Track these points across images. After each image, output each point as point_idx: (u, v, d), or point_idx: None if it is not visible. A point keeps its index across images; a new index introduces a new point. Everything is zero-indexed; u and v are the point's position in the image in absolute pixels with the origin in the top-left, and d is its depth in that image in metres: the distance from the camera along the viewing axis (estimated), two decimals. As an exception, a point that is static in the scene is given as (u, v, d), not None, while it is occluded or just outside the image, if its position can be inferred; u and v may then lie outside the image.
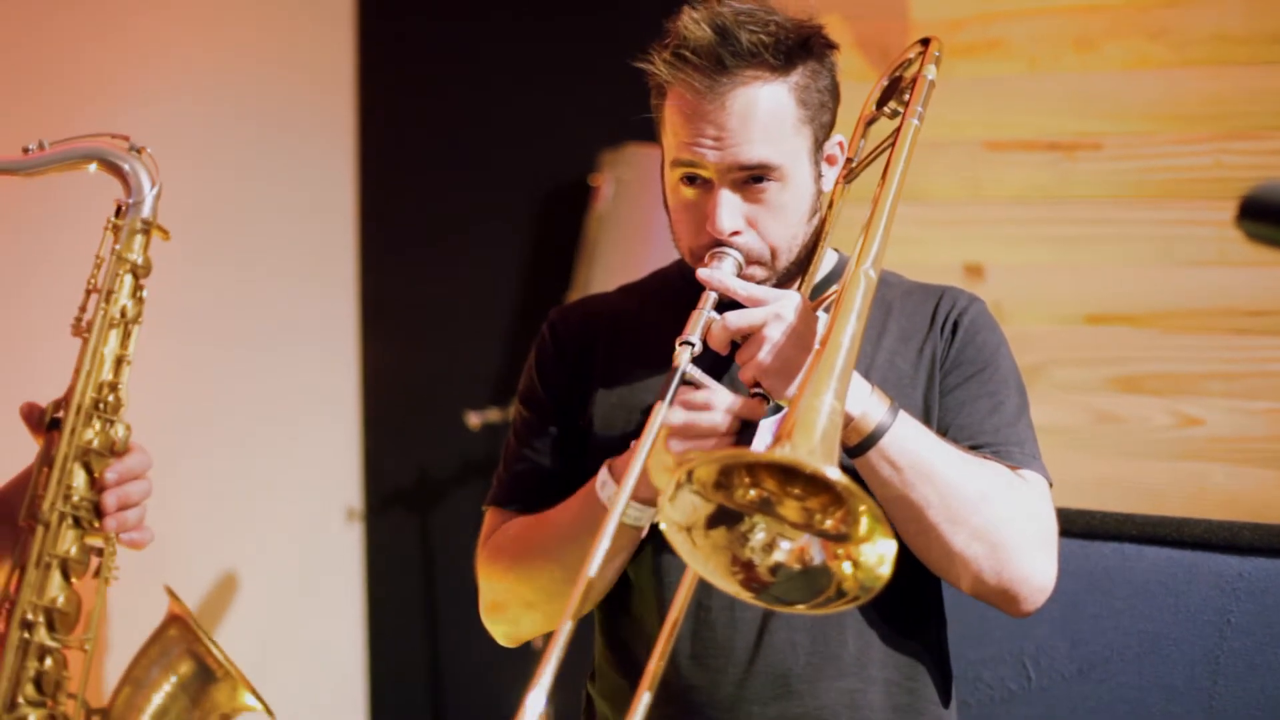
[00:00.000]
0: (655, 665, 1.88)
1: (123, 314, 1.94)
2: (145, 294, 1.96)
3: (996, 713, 2.61)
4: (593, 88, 3.89)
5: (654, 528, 2.00)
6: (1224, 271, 3.17)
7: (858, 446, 1.97)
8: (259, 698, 2.00)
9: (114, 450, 1.91)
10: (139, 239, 1.95)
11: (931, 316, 2.21)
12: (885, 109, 2.29)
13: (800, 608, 1.78)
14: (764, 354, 1.96)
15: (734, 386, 2.10)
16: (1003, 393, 2.18)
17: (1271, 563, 2.48)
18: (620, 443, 2.11)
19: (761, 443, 2.04)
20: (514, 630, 2.24)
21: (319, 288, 4.23)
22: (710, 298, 2.01)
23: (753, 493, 1.77)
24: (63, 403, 1.91)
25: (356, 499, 4.31)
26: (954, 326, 2.20)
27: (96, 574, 1.91)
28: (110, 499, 1.89)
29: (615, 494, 1.94)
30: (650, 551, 2.13)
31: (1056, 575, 2.07)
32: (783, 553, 1.77)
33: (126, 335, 1.95)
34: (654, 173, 3.63)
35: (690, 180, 2.10)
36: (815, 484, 1.73)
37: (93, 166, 1.95)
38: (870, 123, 2.30)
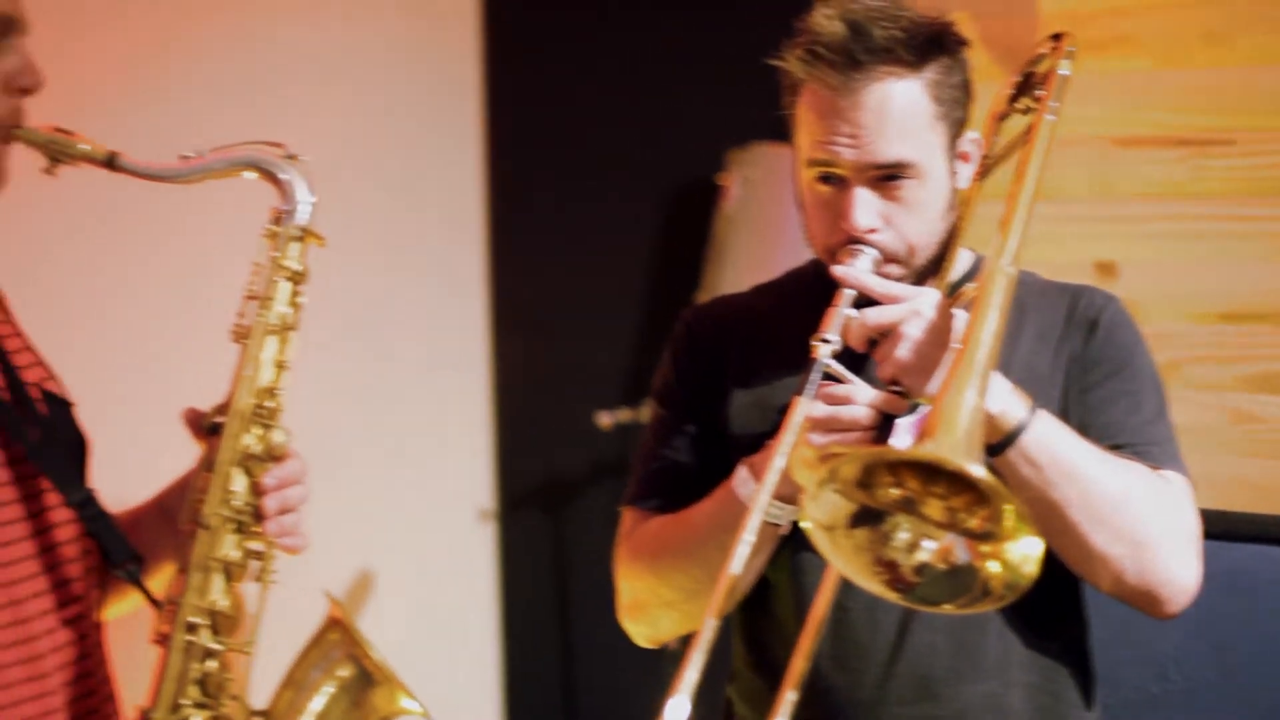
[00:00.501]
0: (798, 665, 1.88)
1: (281, 320, 1.95)
2: (302, 300, 1.98)
3: (1138, 715, 2.58)
4: (720, 87, 3.88)
5: (794, 527, 1.99)
6: (1363, 267, 3.13)
7: (997, 445, 1.95)
8: (417, 700, 2.01)
9: (273, 455, 1.93)
10: (295, 246, 1.96)
11: (1068, 315, 2.19)
12: (1018, 105, 2.27)
13: (946, 608, 1.77)
14: (902, 351, 1.95)
15: (871, 384, 2.10)
16: (1142, 392, 2.16)
17: None
18: (756, 441, 2.10)
19: (901, 441, 2.04)
20: (653, 631, 2.25)
21: (449, 290, 4.26)
22: (847, 295, 2.00)
23: (895, 491, 1.76)
24: (223, 408, 1.93)
25: (489, 499, 4.33)
26: (1091, 325, 2.18)
27: (257, 578, 1.93)
28: (270, 503, 1.91)
29: (755, 491, 1.94)
30: (789, 551, 2.13)
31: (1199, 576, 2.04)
32: (927, 552, 1.76)
33: (284, 341, 1.96)
34: (782, 172, 3.63)
35: (825, 178, 2.09)
36: (959, 482, 1.71)
37: (250, 174, 1.96)
38: (1003, 118, 2.28)
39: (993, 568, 1.72)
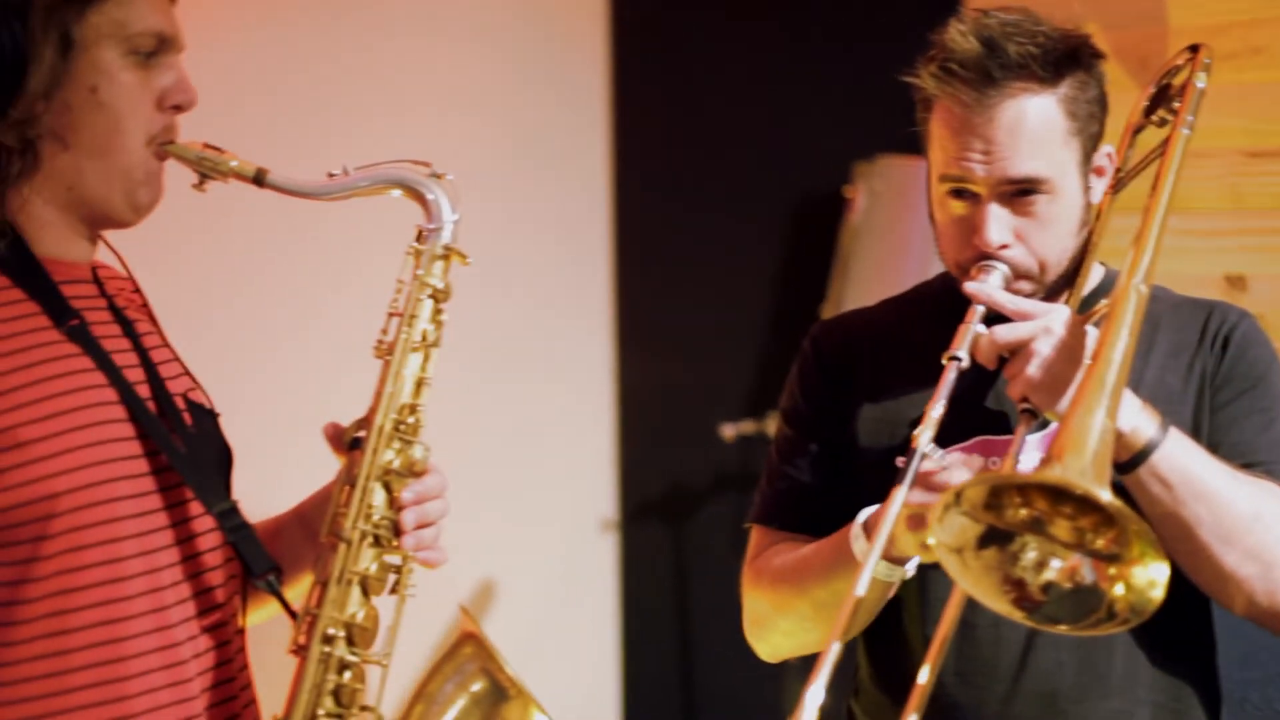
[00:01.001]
0: (925, 681, 1.88)
1: (423, 337, 1.96)
2: (444, 318, 1.98)
3: (1263, 738, 2.55)
4: (845, 99, 3.89)
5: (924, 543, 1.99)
6: None
7: (1128, 463, 1.94)
8: (549, 717, 2.02)
9: (413, 471, 1.94)
10: (439, 264, 1.97)
11: (1201, 332, 2.17)
12: (1153, 118, 2.26)
13: (1071, 628, 1.77)
14: (1033, 369, 1.95)
15: (1000, 401, 2.10)
16: (1274, 409, 2.13)
17: None
18: (885, 456, 2.10)
19: (1029, 459, 2.05)
20: (773, 651, 2.27)
21: (576, 303, 4.28)
22: (978, 312, 2.00)
23: (1023, 512, 1.76)
24: (364, 423, 1.95)
25: (612, 510, 4.35)
26: (1224, 342, 2.16)
27: (393, 590, 1.94)
28: (408, 518, 1.92)
29: (866, 551, 1.93)
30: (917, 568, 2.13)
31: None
32: (1054, 571, 1.76)
33: (426, 358, 1.97)
34: (907, 185, 3.63)
35: (958, 194, 2.09)
36: (1087, 504, 1.71)
37: (396, 192, 1.97)
38: (1138, 131, 2.27)
39: (1118, 590, 1.72)
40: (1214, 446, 2.07)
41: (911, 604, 2.17)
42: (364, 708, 1.93)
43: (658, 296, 4.31)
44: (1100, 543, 1.73)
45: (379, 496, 1.93)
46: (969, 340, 1.98)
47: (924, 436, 1.91)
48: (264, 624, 2.04)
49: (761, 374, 4.15)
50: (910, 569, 2.00)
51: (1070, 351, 1.95)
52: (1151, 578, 1.68)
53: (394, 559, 1.94)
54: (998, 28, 2.05)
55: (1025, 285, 2.08)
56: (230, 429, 2.00)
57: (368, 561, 1.92)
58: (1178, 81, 2.23)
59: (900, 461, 1.92)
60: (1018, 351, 1.97)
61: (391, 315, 1.97)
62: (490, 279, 3.81)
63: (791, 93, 4.09)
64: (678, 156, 4.28)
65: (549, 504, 4.17)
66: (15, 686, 1.77)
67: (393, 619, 1.94)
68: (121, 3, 1.81)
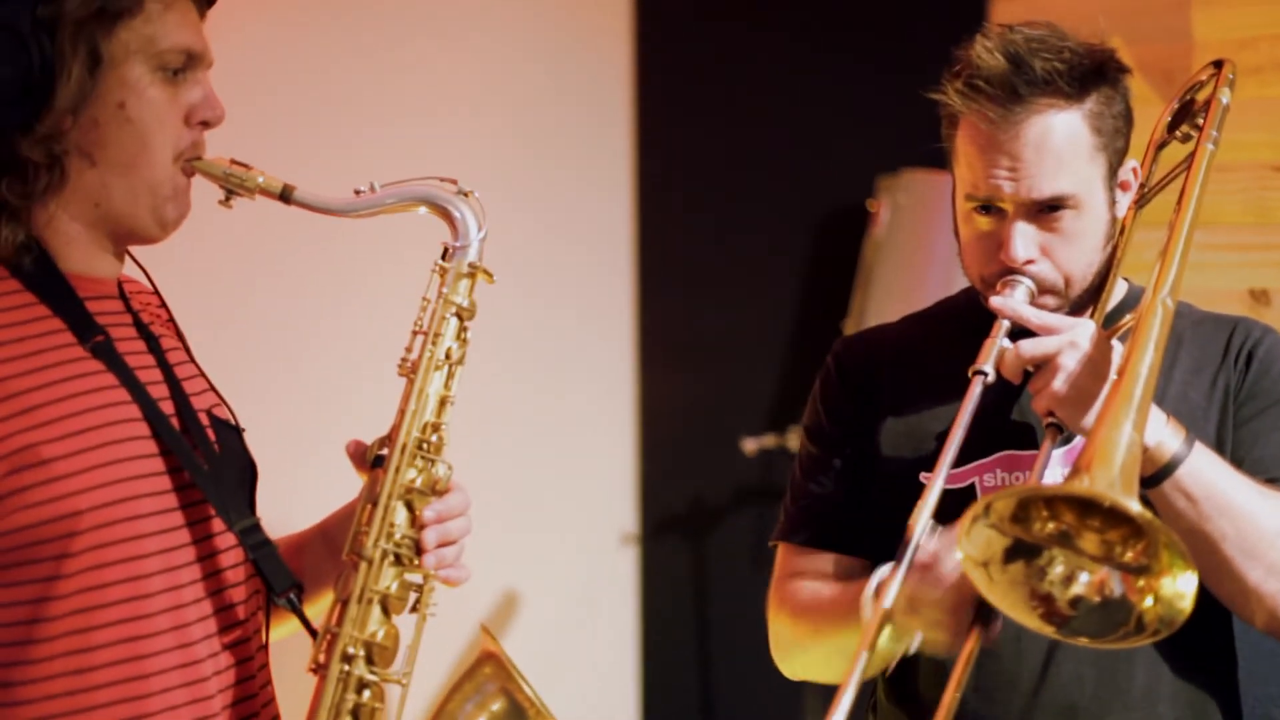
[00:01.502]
0: (949, 698, 1.88)
1: (447, 356, 1.95)
2: (469, 336, 1.98)
3: (1287, 753, 2.53)
4: (869, 113, 3.89)
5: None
6: None
7: (1152, 477, 1.94)
8: None
9: (435, 489, 1.94)
10: (464, 283, 1.97)
11: (1225, 347, 2.17)
12: (1177, 133, 2.26)
13: (1099, 642, 1.77)
14: (1058, 383, 1.95)
15: (1025, 415, 2.09)
16: (1298, 426, 2.12)
17: None
18: (911, 470, 2.12)
19: (1053, 474, 2.05)
20: (797, 674, 2.27)
21: (597, 316, 4.28)
22: (1003, 326, 2.00)
23: (1050, 525, 1.76)
24: (387, 441, 1.94)
25: (632, 523, 4.35)
26: (1248, 358, 2.15)
27: (414, 609, 1.93)
28: (430, 536, 1.91)
29: (871, 621, 1.92)
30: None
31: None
32: (1082, 585, 1.76)
33: (450, 376, 1.96)
34: (931, 199, 3.63)
35: (984, 209, 2.09)
36: (1115, 516, 1.71)
37: (422, 209, 1.97)
38: (1162, 146, 2.27)
39: (1148, 602, 1.72)
40: (1237, 462, 2.07)
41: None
42: (384, 727, 1.93)
43: (680, 309, 4.31)
44: (1129, 555, 1.74)
45: (401, 515, 1.92)
46: (994, 355, 1.98)
47: (920, 521, 1.92)
48: (285, 640, 2.04)
49: (783, 388, 4.15)
50: (914, 645, 1.98)
51: (1095, 366, 1.95)
52: (1180, 589, 1.69)
53: (415, 577, 1.93)
54: (1023, 44, 2.04)
55: (1050, 300, 2.08)
56: (252, 443, 2.00)
57: (389, 580, 1.91)
58: (1202, 96, 2.23)
59: (924, 477, 1.91)
60: (1043, 366, 1.97)
61: (416, 333, 1.96)
62: (512, 291, 3.81)
63: (815, 106, 4.10)
64: (701, 169, 4.28)
65: (569, 517, 4.17)
66: (37, 705, 1.77)
67: (413, 638, 1.93)
68: (151, 19, 1.81)
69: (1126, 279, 2.23)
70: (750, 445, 4.06)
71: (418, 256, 2.02)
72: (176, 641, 1.82)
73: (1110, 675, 2.09)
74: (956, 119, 2.10)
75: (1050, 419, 1.97)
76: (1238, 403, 2.14)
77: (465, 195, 1.97)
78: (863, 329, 2.47)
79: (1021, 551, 1.76)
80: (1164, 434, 1.94)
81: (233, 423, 1.97)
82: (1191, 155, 2.13)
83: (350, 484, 1.99)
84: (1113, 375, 1.93)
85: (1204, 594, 1.94)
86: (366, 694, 1.90)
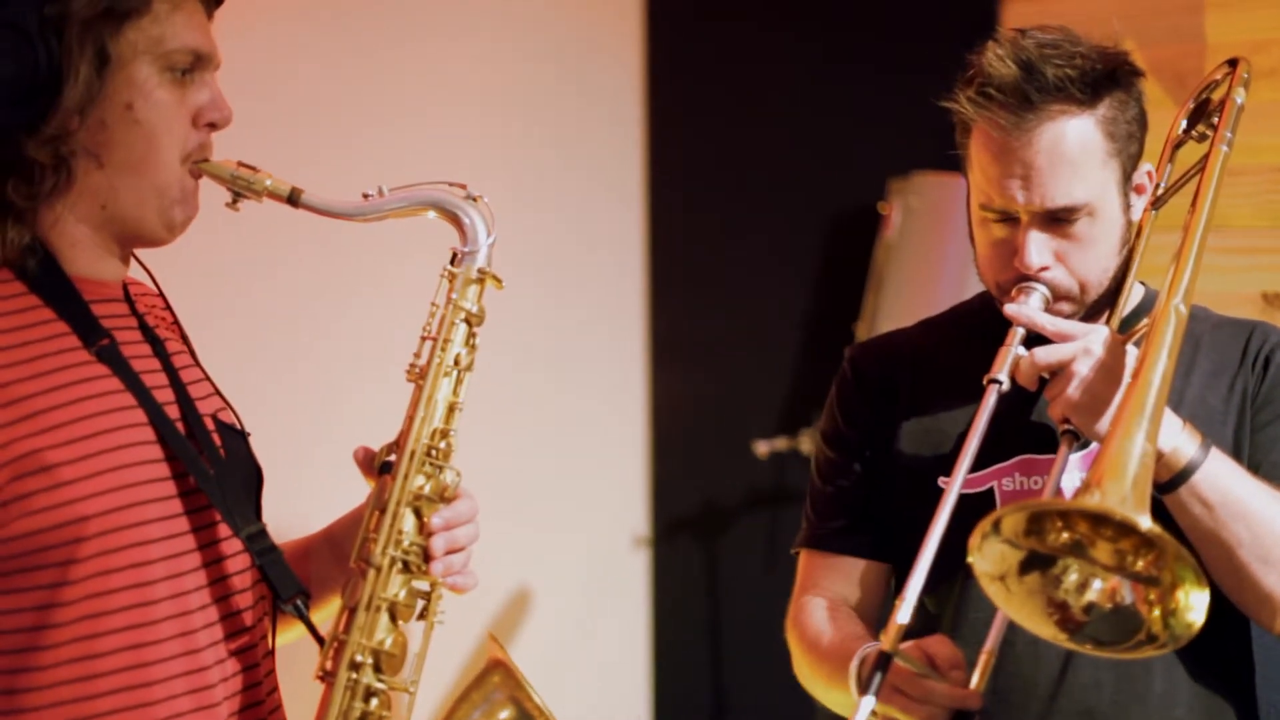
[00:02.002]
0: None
1: (456, 362, 1.94)
2: (477, 342, 1.96)
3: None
4: (881, 115, 3.88)
5: (965, 563, 1.97)
6: None
7: (1168, 483, 1.94)
8: None
9: (443, 496, 1.92)
10: (474, 288, 1.95)
11: (1242, 352, 2.17)
12: (1193, 133, 2.25)
13: (1112, 651, 1.77)
14: (1073, 389, 1.95)
15: (1043, 419, 2.08)
16: (1315, 430, 2.12)
17: None
18: (929, 472, 2.12)
19: (1071, 479, 2.06)
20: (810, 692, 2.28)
21: (609, 319, 4.28)
22: (1018, 333, 2.01)
23: (1065, 535, 1.76)
24: (395, 447, 1.93)
25: (644, 526, 4.35)
26: (1265, 362, 2.15)
27: (421, 616, 1.92)
28: (437, 543, 1.90)
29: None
30: (955, 585, 2.12)
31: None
32: (1095, 592, 1.77)
33: (459, 382, 1.95)
34: (943, 201, 3.62)
35: (998, 216, 2.09)
36: (1127, 528, 1.71)
37: (431, 214, 1.95)
38: (1178, 147, 2.26)
39: (1157, 614, 1.72)
40: (1254, 467, 2.07)
41: (946, 620, 2.16)
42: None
43: (691, 311, 4.31)
44: (1140, 565, 1.73)
45: (409, 522, 1.91)
46: (1009, 363, 1.99)
47: (934, 533, 1.91)
48: (291, 646, 2.03)
49: (795, 390, 4.15)
50: None
51: (1110, 372, 1.95)
52: (1190, 604, 1.69)
53: (423, 585, 1.92)
54: (1035, 50, 2.04)
55: (1065, 306, 2.08)
56: (257, 447, 1.99)
57: (397, 588, 1.90)
58: (1216, 96, 2.22)
59: (943, 481, 1.91)
60: (1058, 373, 1.97)
61: (425, 339, 1.95)
62: (524, 292, 3.81)
63: (827, 108, 4.09)
64: (713, 171, 4.28)
65: (581, 519, 4.17)
66: (42, 711, 1.76)
67: (421, 645, 1.92)
68: (158, 19, 1.80)
69: (1143, 282, 2.22)
70: (762, 448, 4.06)
71: (425, 260, 2.01)
72: (182, 648, 1.81)
73: (1127, 680, 2.09)
74: (969, 127, 2.10)
75: (1066, 425, 1.97)
76: (1255, 407, 2.13)
77: (475, 200, 1.96)
78: (877, 334, 2.47)
79: (1037, 562, 1.76)
80: (1180, 439, 1.94)
81: (238, 427, 1.96)
82: (1206, 156, 2.12)
83: (355, 489, 1.98)
84: (1127, 380, 1.93)
85: (1221, 599, 1.95)
86: (374, 702, 1.89)
